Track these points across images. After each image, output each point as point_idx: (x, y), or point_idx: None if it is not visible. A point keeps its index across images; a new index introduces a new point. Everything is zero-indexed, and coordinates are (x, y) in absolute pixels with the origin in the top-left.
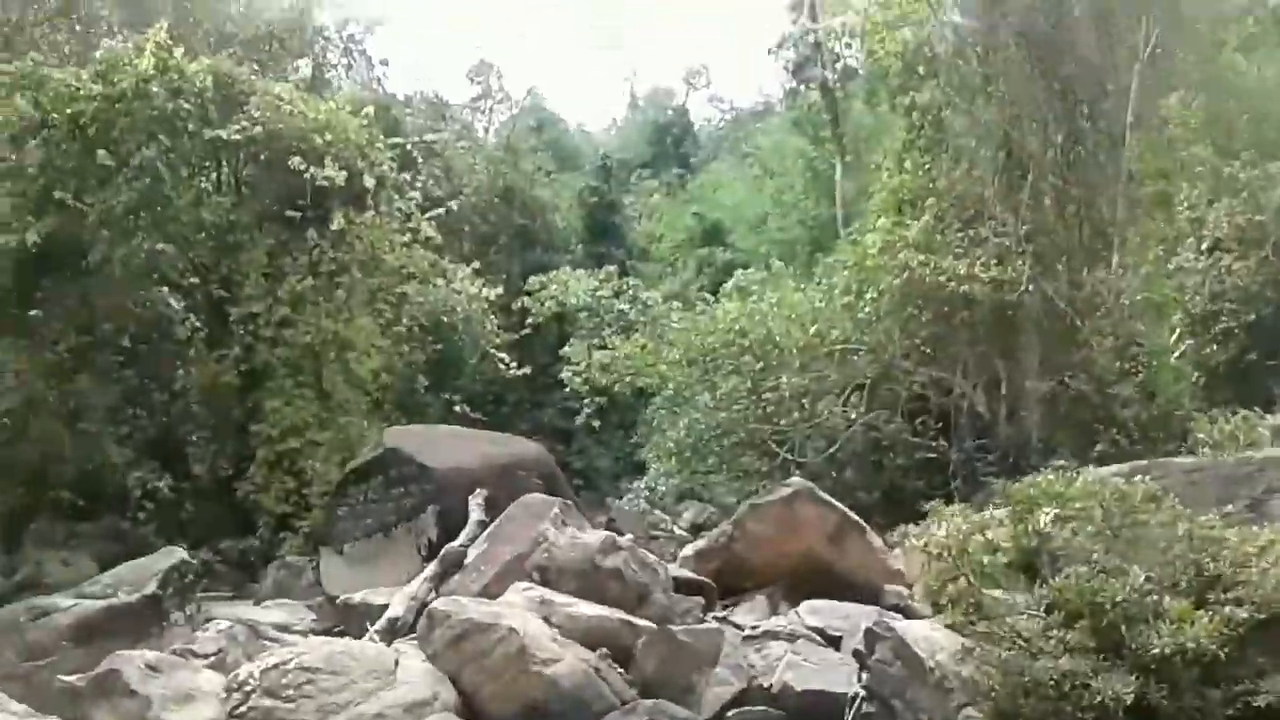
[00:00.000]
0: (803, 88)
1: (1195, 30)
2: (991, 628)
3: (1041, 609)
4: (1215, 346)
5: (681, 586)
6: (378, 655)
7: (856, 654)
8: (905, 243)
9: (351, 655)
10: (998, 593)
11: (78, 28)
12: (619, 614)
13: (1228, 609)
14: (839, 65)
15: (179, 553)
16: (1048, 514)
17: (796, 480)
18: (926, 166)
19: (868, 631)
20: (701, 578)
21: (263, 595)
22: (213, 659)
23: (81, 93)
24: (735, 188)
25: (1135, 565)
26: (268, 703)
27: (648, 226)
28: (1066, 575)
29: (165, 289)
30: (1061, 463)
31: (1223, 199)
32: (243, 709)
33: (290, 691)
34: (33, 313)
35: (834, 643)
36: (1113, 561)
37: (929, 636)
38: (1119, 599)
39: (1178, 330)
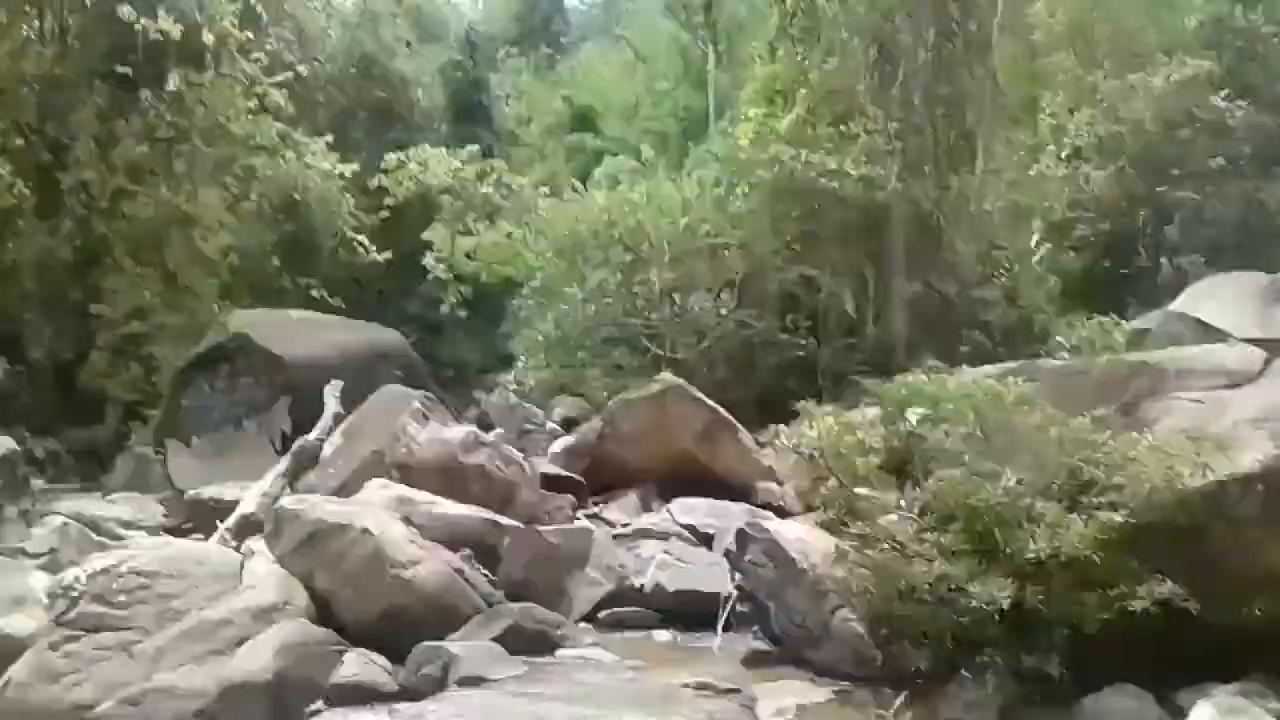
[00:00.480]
0: None
1: None
2: (865, 529)
3: (915, 511)
4: (1073, 254)
5: (551, 484)
6: (221, 557)
7: (728, 554)
8: (777, 135)
9: (192, 557)
10: (871, 493)
11: None
12: (484, 513)
13: (1102, 514)
14: None
15: (8, 442)
16: (918, 415)
17: (667, 376)
18: (799, 57)
19: (740, 532)
20: (572, 474)
21: (112, 488)
22: (45, 559)
23: None
24: (606, 72)
25: (1008, 468)
26: (97, 609)
27: (516, 108)
28: (939, 478)
29: None
30: (933, 363)
31: (1083, 108)
32: (70, 615)
33: (123, 597)
34: None
35: (707, 541)
36: (985, 465)
37: (802, 538)
38: (993, 502)
39: (1038, 236)
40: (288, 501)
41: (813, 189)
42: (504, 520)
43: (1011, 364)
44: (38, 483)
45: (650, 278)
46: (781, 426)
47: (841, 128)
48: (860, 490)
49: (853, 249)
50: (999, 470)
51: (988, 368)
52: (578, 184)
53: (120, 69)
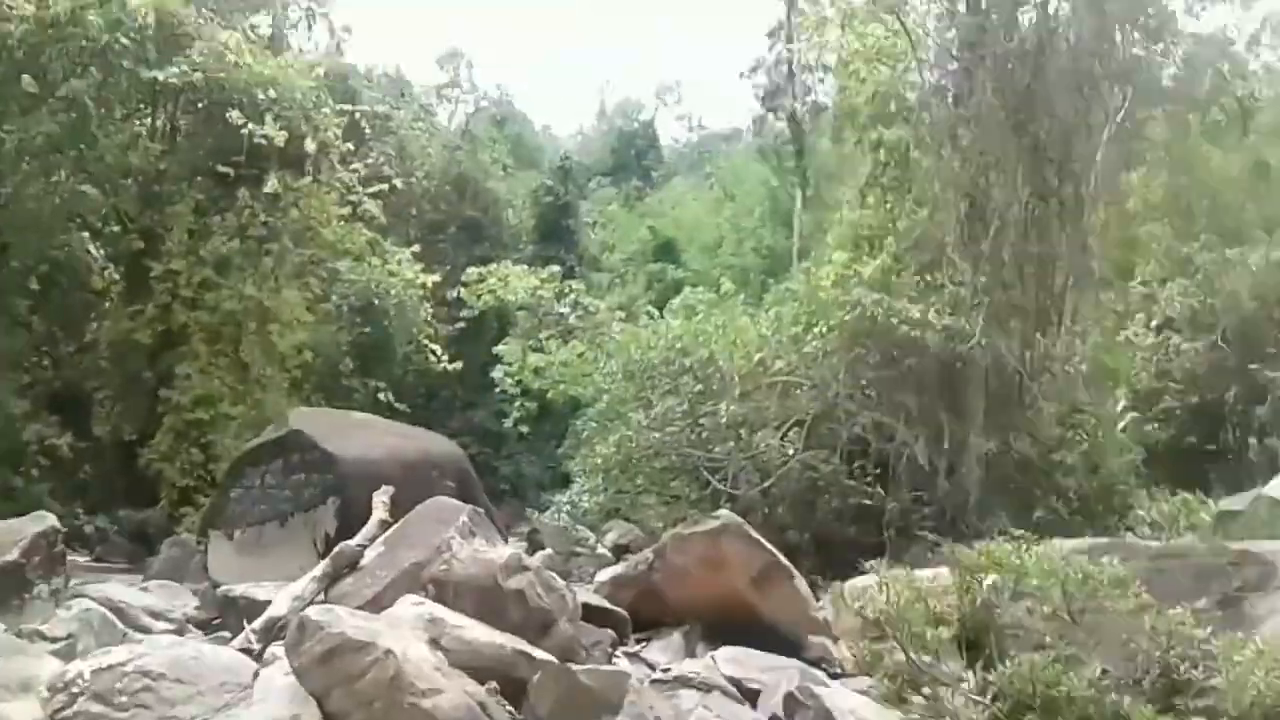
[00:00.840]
0: (771, 116)
1: (1164, 111)
2: (929, 709)
3: (989, 696)
4: (1157, 425)
5: (593, 615)
6: (234, 663)
7: None
8: (860, 279)
9: (203, 662)
10: (939, 668)
11: None
12: (517, 643)
13: None
14: (810, 98)
15: (49, 518)
16: (998, 587)
17: (725, 513)
18: (889, 206)
19: (789, 697)
20: (615, 607)
21: (153, 573)
22: (62, 644)
23: (14, 12)
24: (694, 207)
25: (1095, 657)
26: (96, 708)
27: (601, 235)
28: (1019, 661)
29: (86, 234)
30: (1014, 530)
31: (1176, 279)
32: (67, 712)
33: (124, 699)
34: None
35: (751, 697)
36: (1070, 650)
37: (855, 710)
38: (1076, 695)
39: (1123, 403)
40: (312, 611)
41: (893, 335)
42: (537, 653)
43: (1102, 539)
44: (81, 560)
45: (718, 410)
46: (846, 584)
47: (927, 278)
48: (927, 662)
49: (930, 400)
50: (1084, 658)
51: (1074, 541)
52: (654, 310)
53: (222, 168)
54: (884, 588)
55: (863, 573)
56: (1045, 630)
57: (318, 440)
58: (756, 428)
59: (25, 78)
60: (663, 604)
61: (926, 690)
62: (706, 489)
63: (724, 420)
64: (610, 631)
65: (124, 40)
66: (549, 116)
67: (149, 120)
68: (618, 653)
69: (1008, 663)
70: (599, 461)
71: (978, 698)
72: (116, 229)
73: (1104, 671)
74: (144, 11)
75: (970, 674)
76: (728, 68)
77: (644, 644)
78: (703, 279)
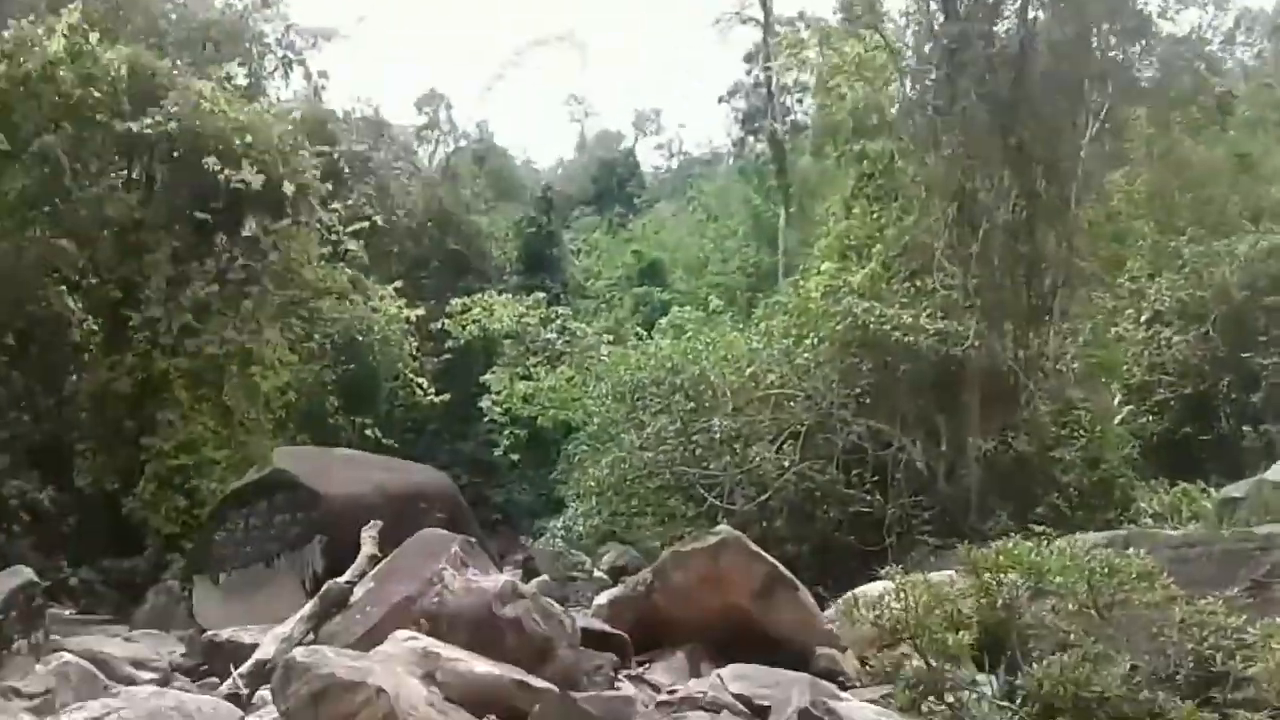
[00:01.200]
0: (751, 138)
1: (1145, 110)
2: (953, 717)
3: (1019, 700)
4: (1151, 417)
5: (593, 640)
6: (217, 712)
7: None
8: (850, 289)
9: (184, 711)
10: (961, 675)
11: None
12: (515, 673)
13: (1241, 714)
14: (789, 118)
15: (26, 572)
16: (1017, 586)
17: (724, 529)
18: (875, 215)
19: (803, 713)
20: (616, 630)
21: (139, 623)
22: (39, 700)
23: None
24: (677, 230)
25: (1125, 653)
26: None
27: (586, 262)
28: (1047, 663)
29: (63, 288)
30: (1040, 528)
31: (1164, 273)
32: None
33: None
34: None
35: (761, 714)
36: (1097, 648)
37: None
38: (1109, 693)
39: (1117, 398)
40: (299, 652)
41: (885, 342)
42: (536, 683)
43: (1120, 531)
44: (66, 613)
45: (711, 426)
46: (858, 592)
47: (916, 283)
48: (948, 668)
49: (925, 403)
50: (1113, 655)
51: (1091, 535)
52: (642, 331)
53: (199, 215)
54: (901, 594)
55: (868, 580)
56: (1070, 628)
57: (301, 478)
58: (751, 441)
59: None
60: (664, 624)
61: (950, 698)
62: (703, 506)
63: (718, 436)
64: (611, 655)
65: (97, 94)
66: (530, 152)
67: (125, 172)
68: (620, 676)
69: (1034, 665)
70: (592, 484)
71: (1004, 703)
72: (94, 281)
73: (1134, 668)
74: (117, 65)
75: (993, 678)
76: (704, 94)
77: (646, 666)
78: (690, 299)
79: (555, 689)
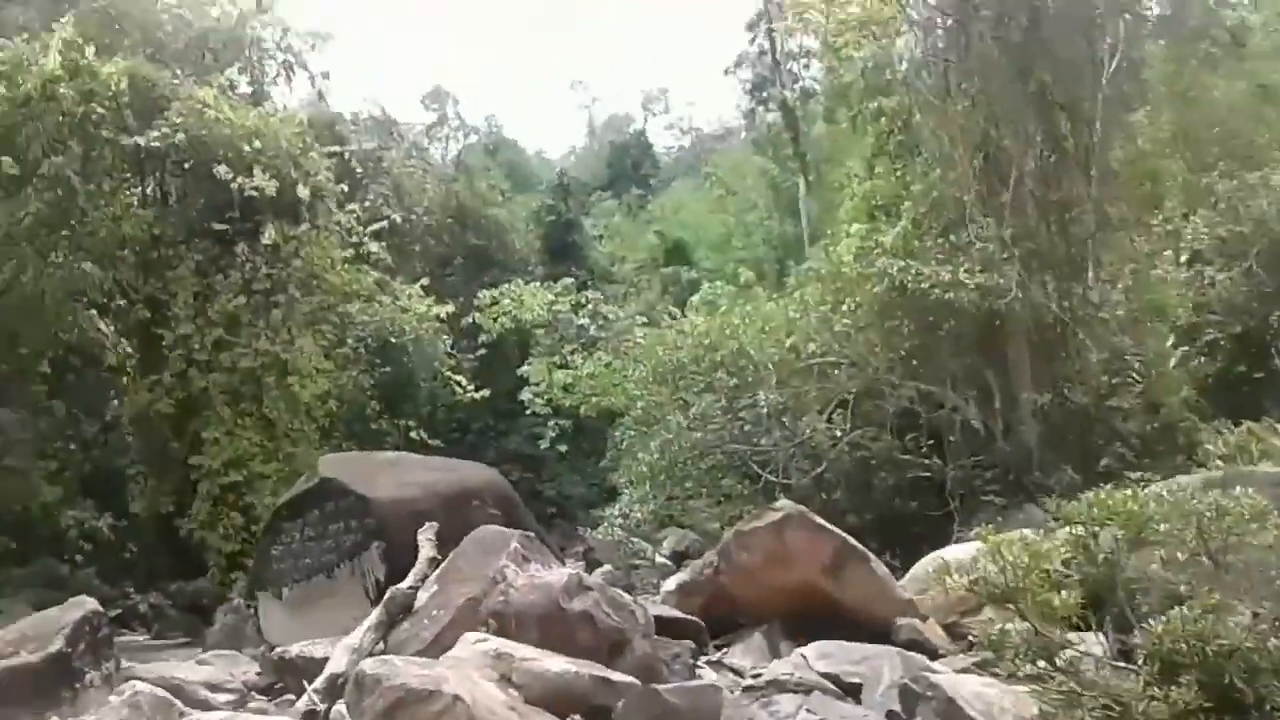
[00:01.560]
0: (761, 108)
1: (1158, 48)
2: (1070, 684)
3: (1141, 660)
4: (1202, 359)
5: (666, 627)
6: None
7: (892, 716)
8: (882, 249)
9: None
10: (1070, 639)
11: None
12: (593, 668)
13: None
14: (798, 85)
15: (89, 603)
16: (1119, 538)
17: (785, 503)
18: (899, 172)
19: (905, 690)
20: (688, 616)
21: (211, 644)
22: None
23: None
24: (697, 208)
25: (1245, 600)
26: None
27: (609, 247)
28: (1166, 618)
29: (93, 312)
30: (1138, 475)
31: (1199, 211)
32: None
33: None
34: None
35: (853, 693)
36: (1214, 597)
37: (981, 694)
38: (1235, 645)
39: (1170, 339)
40: (368, 664)
41: (925, 301)
42: (616, 677)
43: (1215, 473)
44: (140, 639)
45: (757, 400)
46: (947, 556)
47: (950, 238)
48: (1056, 632)
49: (973, 361)
50: (1233, 604)
51: (1183, 479)
52: (675, 310)
53: (217, 226)
54: (997, 555)
55: (935, 546)
56: (1180, 579)
57: (350, 485)
58: (799, 414)
59: (4, 159)
60: (735, 606)
61: (1059, 661)
62: (758, 483)
63: (765, 410)
64: (688, 642)
65: (100, 110)
66: (541, 142)
67: (137, 188)
68: (700, 663)
69: (1147, 622)
70: (644, 470)
71: (1121, 664)
72: (122, 302)
73: (1255, 615)
74: (116, 79)
75: (1102, 638)
76: (709, 67)
77: (724, 650)
78: (718, 276)
79: (636, 682)
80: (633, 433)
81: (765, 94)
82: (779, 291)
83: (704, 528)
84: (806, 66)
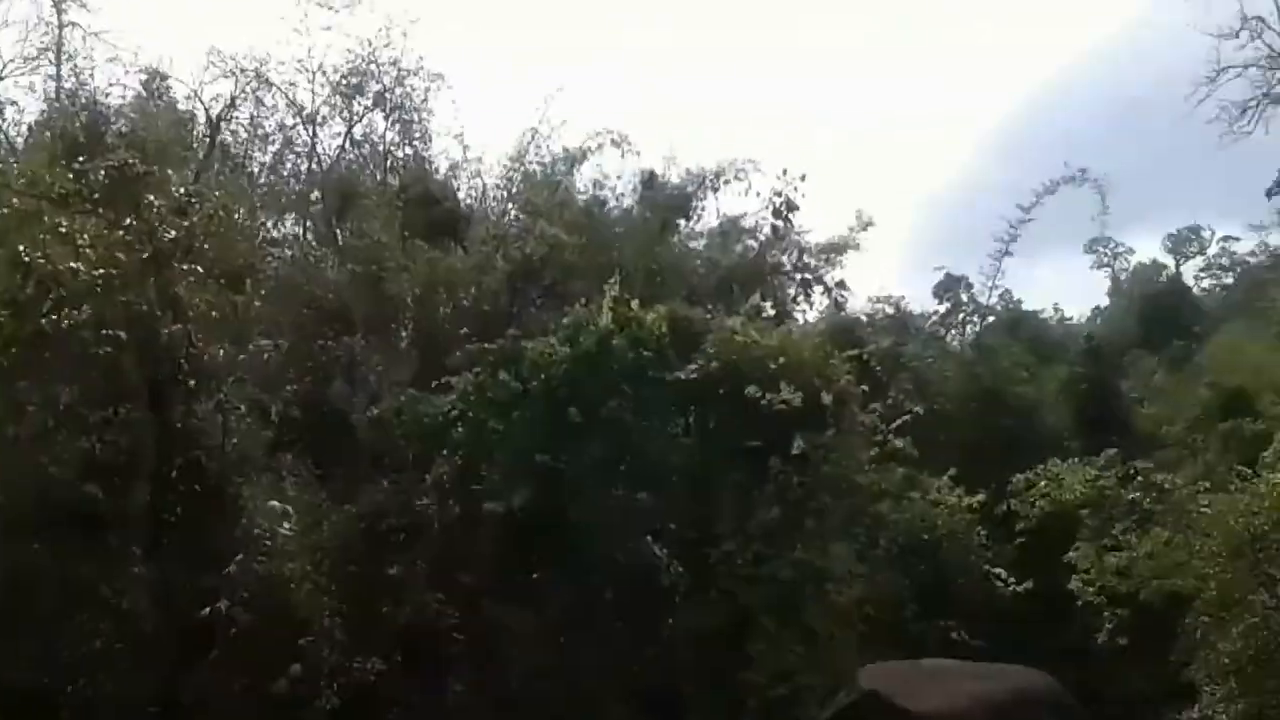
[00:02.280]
0: None
1: None
2: None
3: None
4: None
5: None
6: None
7: None
8: None
9: None
10: None
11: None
12: None
13: None
14: None
15: None
16: None
17: None
18: None
19: None
20: None
21: None
22: None
23: (553, 358)
24: (1254, 350)
25: None
26: None
27: (1151, 410)
28: None
29: (648, 538)
30: None
31: None
32: None
33: None
34: (532, 576)
35: None
36: None
37: None
38: None
39: None
40: None
41: None
42: None
43: None
44: None
45: None
46: None
47: None
48: None
49: None
50: None
51: None
52: (1243, 469)
53: (751, 443)
54: None
55: None
56: None
57: (894, 699)
58: None
59: (571, 410)
60: None
61: None
62: None
63: None
64: None
65: (646, 354)
66: (1062, 306)
67: (681, 418)
68: None
69: None
70: (1225, 662)
71: None
72: (672, 525)
73: None
74: (659, 324)
75: None
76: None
77: None
78: None
79: None
80: (1207, 619)
81: None
82: None
83: None
84: None
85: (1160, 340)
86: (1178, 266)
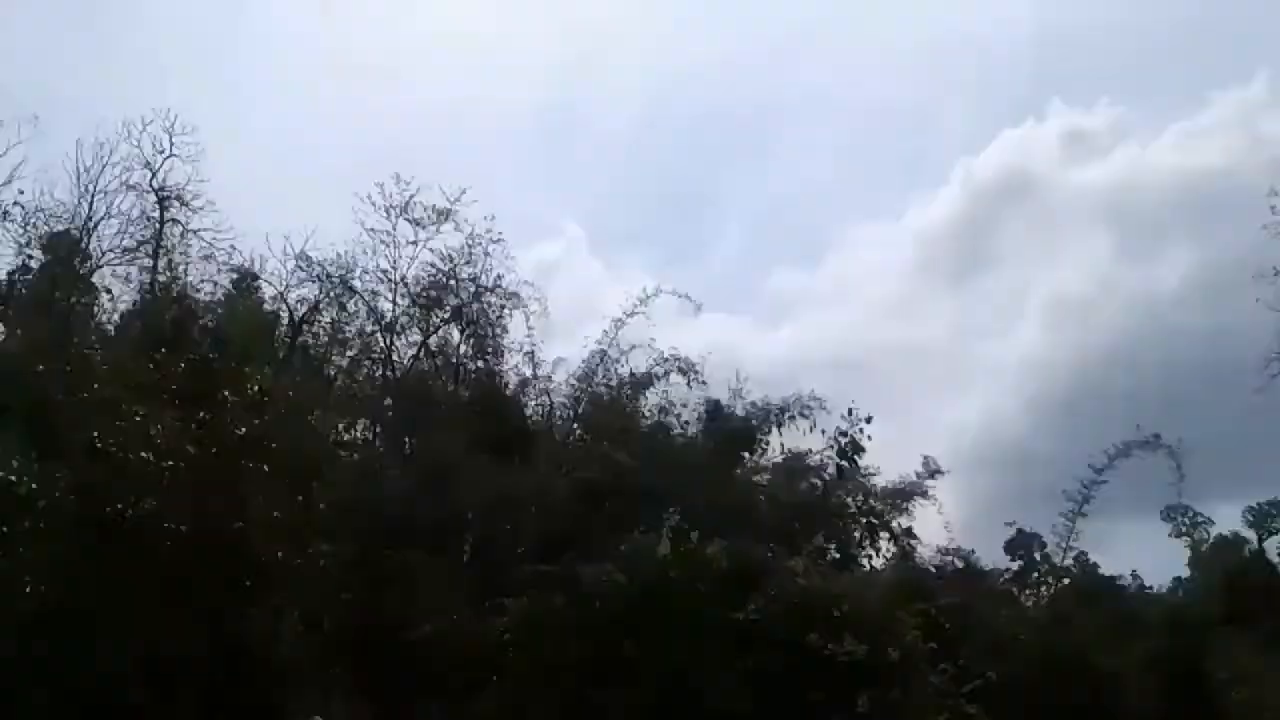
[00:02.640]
0: None
1: None
2: None
3: None
4: None
5: None
6: None
7: None
8: None
9: None
10: None
11: None
12: None
13: None
14: None
15: None
16: None
17: None
18: None
19: None
20: None
21: None
22: None
23: (610, 587)
24: None
25: None
26: None
27: (1242, 693)
28: None
29: None
30: None
31: None
32: None
33: None
34: None
35: None
36: None
37: None
38: None
39: None
40: None
41: None
42: None
43: None
44: None
45: None
46: None
47: None
48: None
49: None
50: None
51: None
52: None
53: (811, 695)
54: None
55: None
56: None
57: None
58: None
59: (626, 643)
60: None
61: None
62: None
63: None
64: None
65: (703, 587)
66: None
67: (743, 663)
68: None
69: None
70: None
71: None
72: None
73: None
74: (718, 558)
75: None
76: None
77: None
78: None
79: None
80: None
81: None
82: None
83: None
84: None
85: (1248, 618)
86: (1260, 541)
